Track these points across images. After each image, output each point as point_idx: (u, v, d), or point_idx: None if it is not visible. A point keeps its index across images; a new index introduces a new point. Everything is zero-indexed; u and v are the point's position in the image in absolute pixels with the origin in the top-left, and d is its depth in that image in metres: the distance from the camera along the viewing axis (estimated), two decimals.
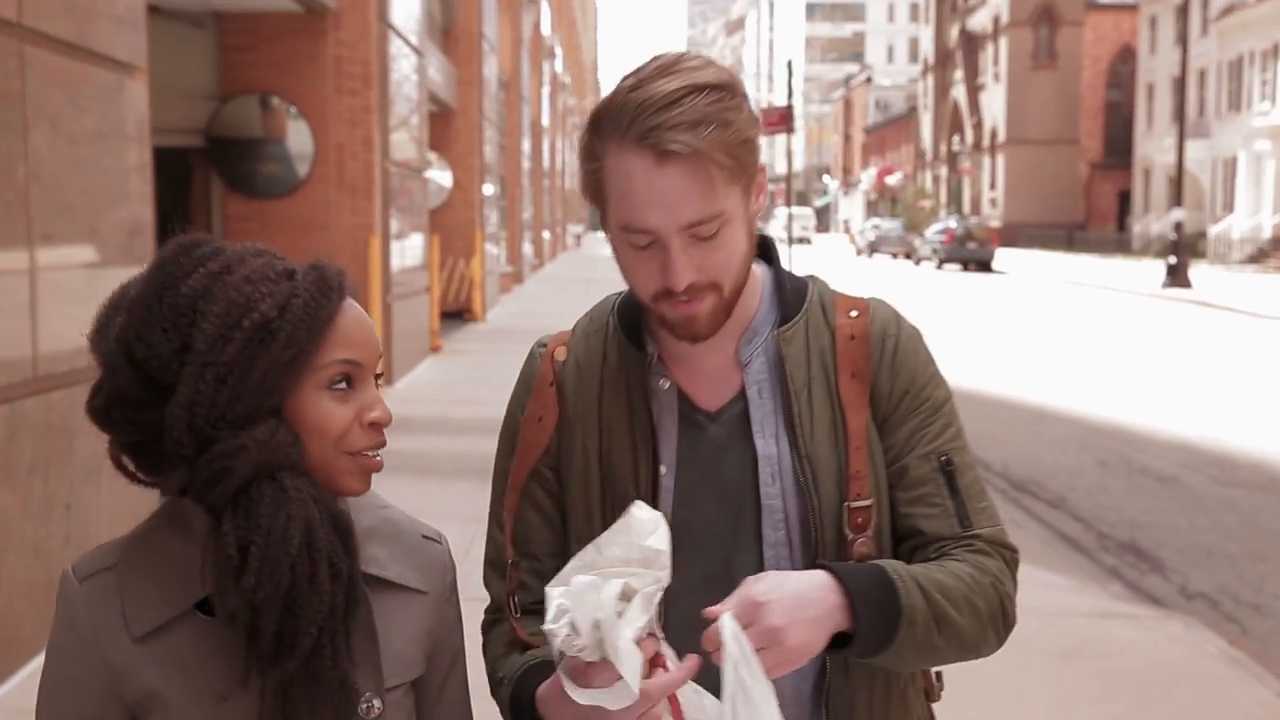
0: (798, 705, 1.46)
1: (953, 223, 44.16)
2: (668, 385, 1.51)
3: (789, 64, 21.30)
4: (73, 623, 1.28)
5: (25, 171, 4.35)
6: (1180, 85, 30.99)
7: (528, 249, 30.11)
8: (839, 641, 1.34)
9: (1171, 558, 6.69)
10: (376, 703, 1.31)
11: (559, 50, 40.96)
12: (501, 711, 1.50)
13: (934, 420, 1.50)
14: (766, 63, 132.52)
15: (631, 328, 1.53)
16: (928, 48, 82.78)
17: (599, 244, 67.23)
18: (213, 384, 1.21)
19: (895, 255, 52.17)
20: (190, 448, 1.22)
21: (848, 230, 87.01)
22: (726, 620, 1.28)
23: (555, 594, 1.27)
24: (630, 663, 1.23)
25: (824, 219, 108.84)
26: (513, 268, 26.43)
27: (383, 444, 1.31)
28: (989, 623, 1.44)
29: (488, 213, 20.36)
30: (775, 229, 70.47)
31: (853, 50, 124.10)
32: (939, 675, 1.63)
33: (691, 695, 1.31)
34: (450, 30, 18.79)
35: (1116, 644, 4.93)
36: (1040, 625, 5.05)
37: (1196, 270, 33.50)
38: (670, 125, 1.32)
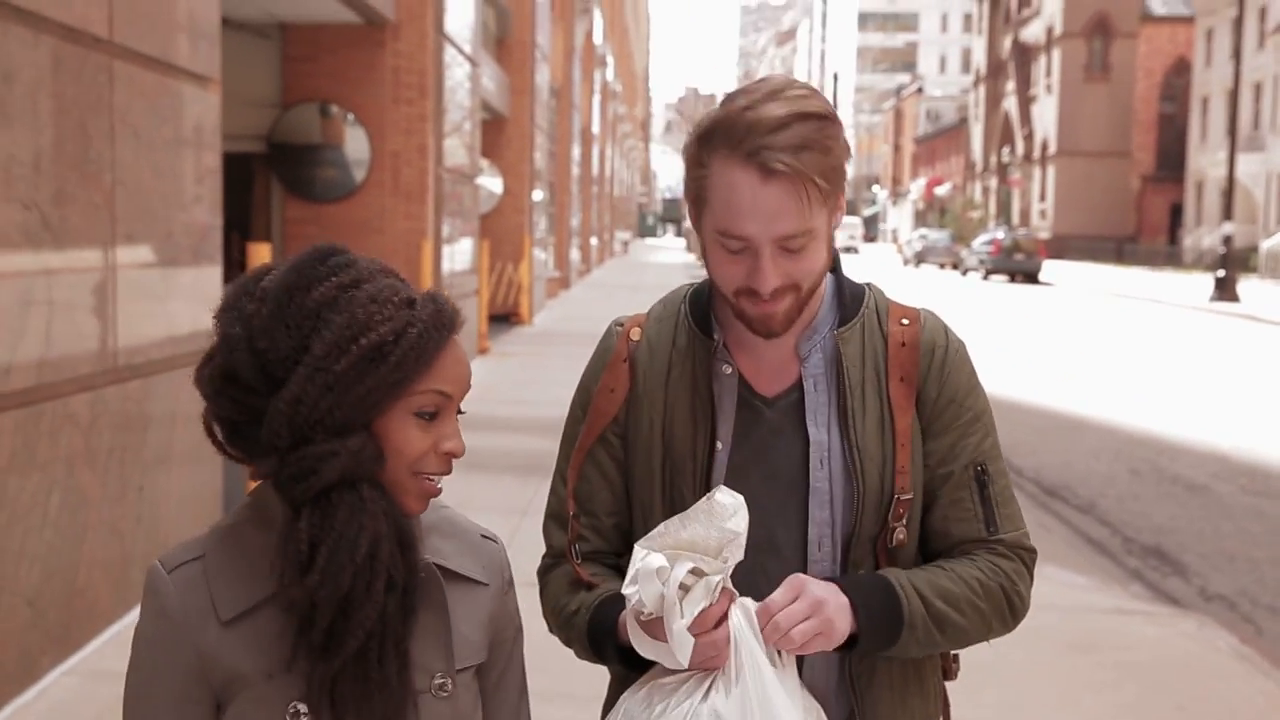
0: (826, 667, 1.64)
1: (1000, 234, 44.02)
2: (730, 371, 1.66)
3: (835, 76, 21.45)
4: (163, 611, 1.35)
5: (112, 177, 4.70)
6: (1234, 98, 30.84)
7: (575, 255, 30.45)
8: (849, 643, 1.55)
9: (1194, 561, 6.86)
10: (448, 682, 1.42)
11: (610, 59, 41.30)
12: (570, 639, 1.69)
13: (974, 430, 1.67)
14: (818, 73, 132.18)
15: (701, 316, 1.70)
16: (980, 58, 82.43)
17: (646, 250, 67.46)
18: (320, 389, 1.30)
19: (942, 265, 52.04)
20: (286, 441, 1.31)
21: (895, 240, 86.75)
22: (737, 610, 1.47)
23: (637, 557, 1.44)
24: (682, 643, 1.41)
25: (872, 228, 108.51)
26: (560, 273, 26.76)
27: (448, 473, 1.41)
28: (993, 618, 1.64)
29: (537, 219, 20.70)
30: None
31: (904, 60, 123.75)
32: (956, 657, 1.79)
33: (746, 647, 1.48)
34: (504, 40, 19.16)
35: (1130, 638, 5.14)
36: (1058, 620, 5.27)
37: (1247, 284, 33.27)
38: (778, 147, 1.48)
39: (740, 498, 1.45)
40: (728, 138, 1.52)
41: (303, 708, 1.34)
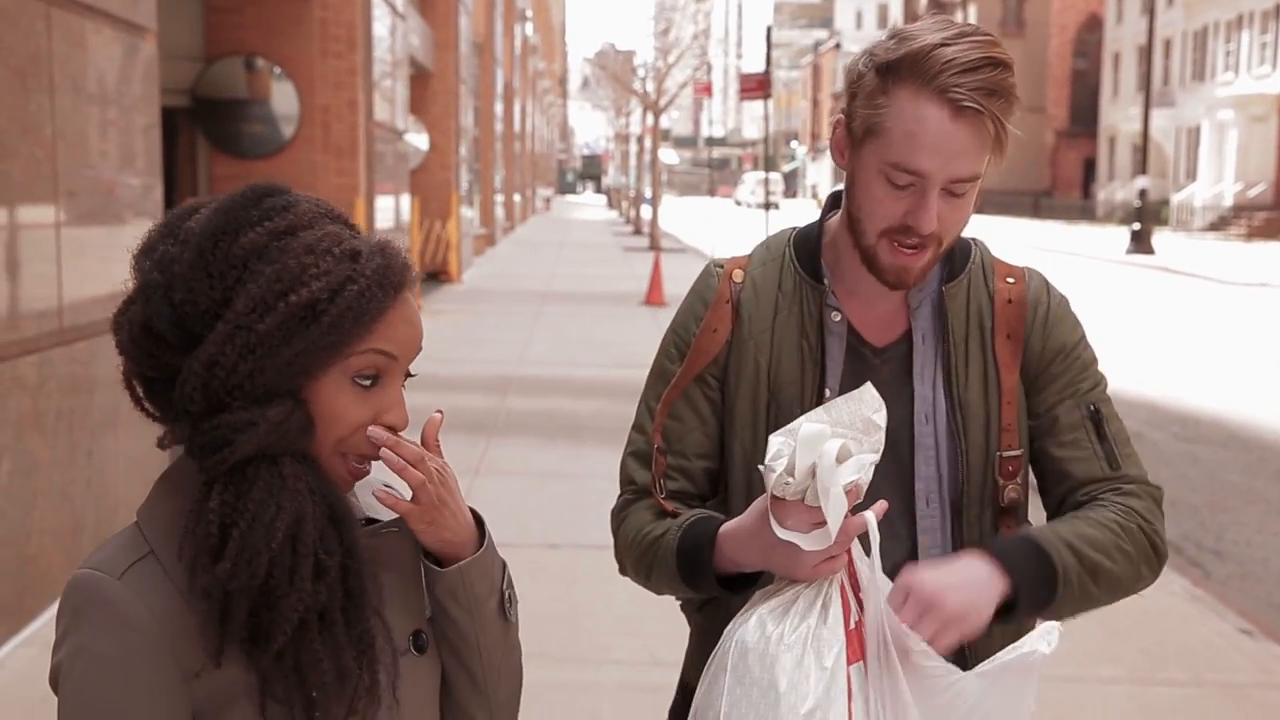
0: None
1: None
2: (839, 318, 1.64)
3: (768, 30, 21.41)
4: (128, 622, 1.16)
5: (52, 130, 4.52)
6: (1146, 54, 31.32)
7: (500, 211, 30.18)
8: (1006, 609, 1.48)
9: None
10: (424, 634, 1.34)
11: (530, 13, 40.82)
12: (653, 566, 1.63)
13: (1084, 377, 1.65)
14: (734, 28, 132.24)
15: (808, 261, 1.68)
16: (896, 13, 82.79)
17: (568, 207, 67.11)
18: (239, 350, 1.16)
19: None
20: (200, 406, 1.17)
21: (815, 196, 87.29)
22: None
23: (776, 439, 1.41)
24: (837, 508, 1.36)
25: (792, 184, 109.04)
26: (486, 230, 26.53)
27: (378, 456, 1.26)
28: (1141, 562, 1.58)
29: (462, 175, 20.46)
30: (744, 194, 70.48)
31: (821, 16, 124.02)
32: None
33: (864, 567, 1.46)
34: None
35: None
36: None
37: (1159, 237, 33.96)
38: (972, 87, 1.47)
39: (882, 399, 1.44)
40: (919, 71, 1.48)
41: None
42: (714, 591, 1.58)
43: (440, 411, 1.35)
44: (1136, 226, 30.46)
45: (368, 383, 1.23)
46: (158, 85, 5.66)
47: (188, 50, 10.92)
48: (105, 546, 1.23)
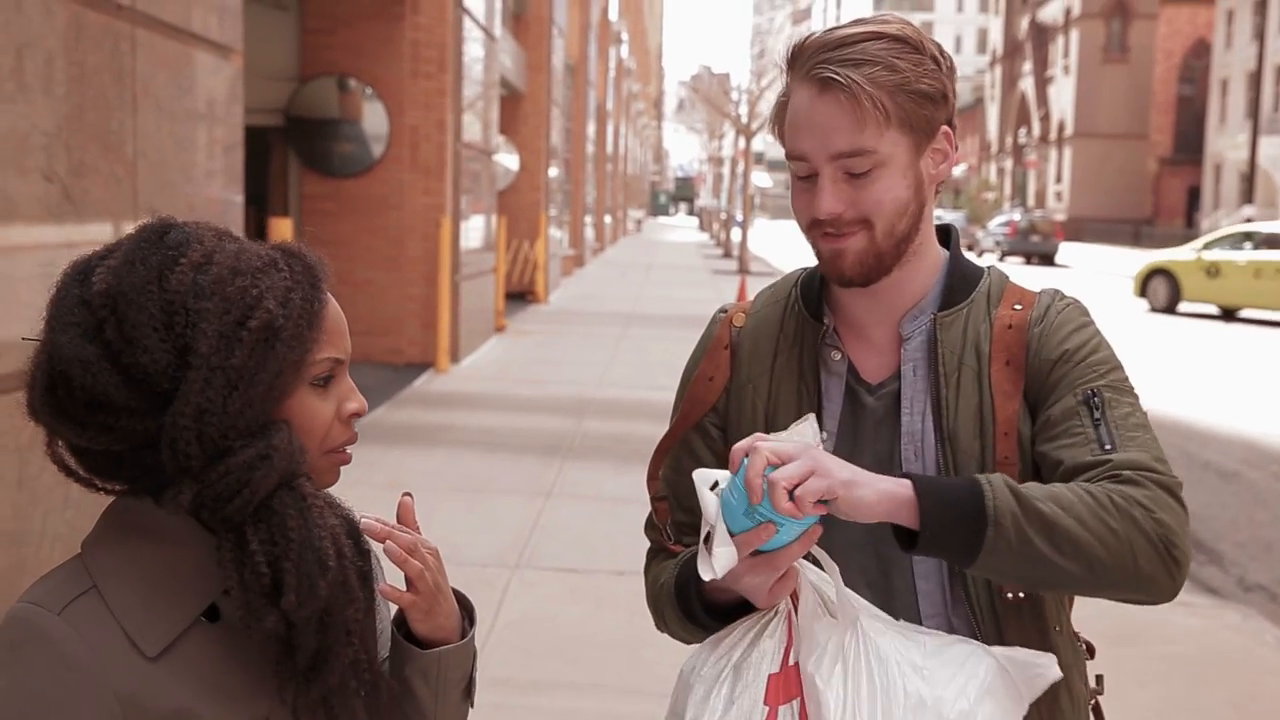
0: None
1: (1017, 215, 43.80)
2: (839, 357, 1.58)
3: None
4: (63, 659, 1.13)
5: (134, 148, 4.58)
6: (1256, 80, 30.52)
7: (589, 233, 30.31)
8: (908, 539, 1.35)
9: (1230, 550, 6.72)
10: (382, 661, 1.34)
11: (625, 36, 41.05)
12: (664, 610, 1.60)
13: (1083, 370, 1.48)
14: None
15: (812, 300, 1.62)
16: (996, 39, 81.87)
17: (659, 229, 67.30)
18: (223, 390, 1.14)
19: None
20: (200, 460, 1.14)
21: None
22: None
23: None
24: (721, 534, 1.31)
25: None
26: (575, 251, 26.64)
27: (355, 439, 1.28)
28: (1137, 551, 1.32)
29: (552, 196, 20.57)
30: None
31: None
32: (1099, 679, 1.66)
33: (808, 600, 1.39)
34: (521, 15, 18.99)
35: (1173, 631, 5.01)
36: (1097, 611, 5.10)
37: None
38: (837, 60, 1.43)
39: (818, 430, 1.39)
40: (799, 60, 1.49)
41: None
42: (710, 624, 1.51)
43: (409, 495, 1.36)
44: None
45: (324, 382, 1.25)
46: (242, 105, 5.73)
47: (283, 71, 11.14)
48: (45, 580, 1.21)
